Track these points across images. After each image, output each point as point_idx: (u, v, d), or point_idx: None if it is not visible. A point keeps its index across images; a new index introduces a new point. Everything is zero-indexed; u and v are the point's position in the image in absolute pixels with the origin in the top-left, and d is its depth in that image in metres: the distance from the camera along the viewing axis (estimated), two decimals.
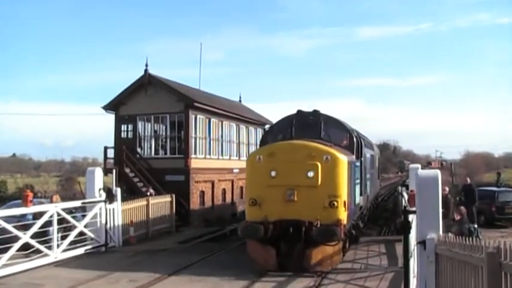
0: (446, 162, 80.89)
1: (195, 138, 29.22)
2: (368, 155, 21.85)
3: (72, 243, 16.75)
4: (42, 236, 15.70)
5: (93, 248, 17.61)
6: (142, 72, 29.28)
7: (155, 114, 29.58)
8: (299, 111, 17.33)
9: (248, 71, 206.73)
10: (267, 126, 33.73)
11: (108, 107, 29.99)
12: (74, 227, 16.82)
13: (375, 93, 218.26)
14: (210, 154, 30.87)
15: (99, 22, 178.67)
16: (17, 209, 16.10)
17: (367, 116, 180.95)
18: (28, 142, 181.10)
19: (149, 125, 30.37)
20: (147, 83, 29.16)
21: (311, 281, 12.96)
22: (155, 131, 30.48)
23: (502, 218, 25.03)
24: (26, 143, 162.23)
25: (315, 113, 17.22)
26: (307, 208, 13.89)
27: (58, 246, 15.96)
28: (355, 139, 17.24)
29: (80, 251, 17.05)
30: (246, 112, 37.71)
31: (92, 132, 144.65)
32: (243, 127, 35.58)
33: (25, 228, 15.42)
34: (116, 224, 19.13)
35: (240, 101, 41.15)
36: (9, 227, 14.42)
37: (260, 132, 36.05)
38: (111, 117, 30.32)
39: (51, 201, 17.98)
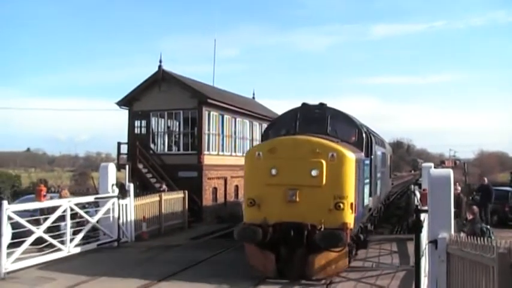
0: (460, 161, 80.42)
1: (208, 135, 29.29)
2: (379, 153, 20.26)
3: (85, 238, 16.87)
4: (56, 230, 15.83)
5: (106, 243, 17.71)
6: (156, 69, 29.40)
7: (169, 110, 29.67)
8: (304, 104, 15.87)
9: (263, 68, 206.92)
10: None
11: (122, 103, 30.12)
12: (87, 222, 16.94)
13: (389, 91, 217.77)
14: (223, 151, 30.92)
15: (115, 19, 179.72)
16: (30, 204, 16.27)
17: (382, 114, 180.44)
18: (42, 137, 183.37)
19: (162, 121, 30.45)
20: (161, 79, 29.26)
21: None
22: (168, 127, 30.56)
23: None
24: (40, 137, 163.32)
25: (321, 106, 15.71)
26: (310, 210, 12.70)
27: (71, 240, 16.07)
28: (364, 135, 15.75)
29: (93, 245, 17.16)
30: (260, 109, 37.73)
31: (105, 127, 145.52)
32: (256, 124, 35.57)
33: (38, 222, 15.57)
34: (129, 219, 19.22)
35: (253, 97, 41.18)
36: (22, 221, 14.54)
37: None
38: (124, 113, 30.50)
39: (60, 196, 18.14)
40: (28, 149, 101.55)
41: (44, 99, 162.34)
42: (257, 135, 35.45)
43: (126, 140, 30.10)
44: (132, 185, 19.93)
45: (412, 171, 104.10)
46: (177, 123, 30.39)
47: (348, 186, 12.98)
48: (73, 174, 64.20)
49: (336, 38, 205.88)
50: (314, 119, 15.41)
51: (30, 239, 14.56)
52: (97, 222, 17.44)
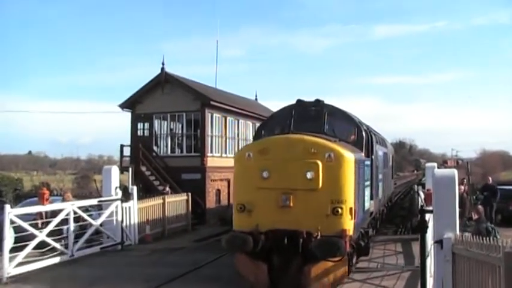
0: (463, 160, 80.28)
1: (211, 137, 29.25)
2: (380, 153, 18.99)
3: (88, 241, 16.86)
4: (59, 234, 15.81)
5: (109, 246, 17.69)
6: (159, 71, 29.38)
7: (171, 112, 29.66)
8: (299, 101, 14.68)
9: (265, 69, 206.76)
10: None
11: (124, 106, 30.10)
12: (90, 225, 16.92)
13: (391, 91, 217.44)
14: (226, 153, 30.84)
15: (116, 21, 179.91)
16: (33, 207, 16.24)
17: (384, 114, 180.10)
18: (44, 140, 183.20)
19: (165, 123, 30.43)
20: (164, 82, 29.23)
21: None
22: (171, 130, 30.56)
23: None
24: (41, 140, 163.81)
25: (318, 103, 14.52)
26: (305, 216, 11.58)
27: (74, 244, 16.04)
28: (364, 134, 14.57)
29: (96, 249, 17.14)
30: (262, 110, 37.65)
31: (107, 130, 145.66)
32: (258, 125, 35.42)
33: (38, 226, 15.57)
34: (132, 222, 19.22)
35: (256, 99, 41.15)
36: (25, 225, 14.53)
37: None
38: (127, 116, 30.49)
39: (63, 199, 18.13)
40: (30, 152, 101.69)
41: (45, 101, 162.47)
42: None
43: (128, 143, 30.08)
44: (135, 188, 19.93)
45: (415, 171, 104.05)
46: (180, 126, 30.41)
47: (347, 189, 11.87)
48: (75, 177, 64.28)
49: (337, 39, 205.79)
50: (310, 116, 14.32)
51: (33, 243, 14.55)
52: (100, 225, 17.42)
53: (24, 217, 14.90)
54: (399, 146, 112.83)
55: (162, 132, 30.55)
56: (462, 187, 19.04)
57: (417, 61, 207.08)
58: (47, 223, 15.58)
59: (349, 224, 11.71)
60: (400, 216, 27.03)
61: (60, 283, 13.28)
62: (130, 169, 22.87)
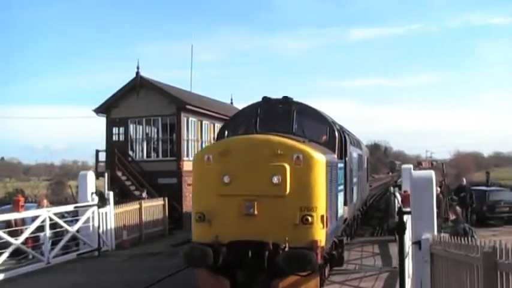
0: (437, 162, 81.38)
1: (187, 141, 29.16)
2: (355, 154, 17.87)
3: (64, 248, 16.69)
4: (34, 241, 15.64)
5: (86, 252, 17.53)
6: (134, 75, 29.22)
7: (147, 116, 29.51)
8: (265, 98, 13.43)
9: (242, 72, 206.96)
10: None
11: (99, 110, 29.87)
12: (67, 231, 16.75)
13: (366, 94, 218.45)
14: None
15: (89, 24, 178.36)
16: (8, 215, 16.01)
17: (359, 117, 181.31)
18: (17, 146, 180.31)
19: (141, 127, 30.26)
20: (139, 86, 29.07)
21: None
22: (147, 134, 30.39)
23: (493, 217, 25.31)
24: (14, 146, 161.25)
25: (286, 100, 13.32)
26: (271, 225, 10.38)
27: (50, 251, 15.86)
28: (337, 134, 13.33)
29: (73, 255, 17.00)
30: None
31: (82, 135, 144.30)
32: None
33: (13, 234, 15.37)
34: (109, 227, 19.08)
35: (231, 102, 41.13)
36: (0, 232, 14.34)
37: None
38: (102, 120, 30.26)
39: (40, 206, 17.94)
40: (2, 158, 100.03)
41: (17, 107, 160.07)
42: None
43: (104, 148, 29.87)
44: (111, 193, 19.79)
45: (390, 173, 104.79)
46: (156, 130, 30.20)
47: (318, 195, 10.61)
48: (50, 184, 63.60)
49: (313, 42, 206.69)
50: (277, 115, 13.16)
51: (8, 251, 14.36)
52: (77, 231, 17.25)
53: None
54: (374, 148, 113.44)
55: (138, 136, 30.36)
56: (438, 188, 19.25)
57: (392, 64, 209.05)
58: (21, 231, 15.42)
59: (320, 234, 10.51)
60: (376, 218, 27.23)
61: None
62: (106, 174, 22.69)
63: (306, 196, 10.51)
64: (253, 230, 10.42)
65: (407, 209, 10.77)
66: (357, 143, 20.53)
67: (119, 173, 27.76)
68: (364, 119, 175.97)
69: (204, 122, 31.11)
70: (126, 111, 29.28)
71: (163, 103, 28.56)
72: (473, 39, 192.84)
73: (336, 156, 12.88)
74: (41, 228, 15.75)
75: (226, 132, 13.53)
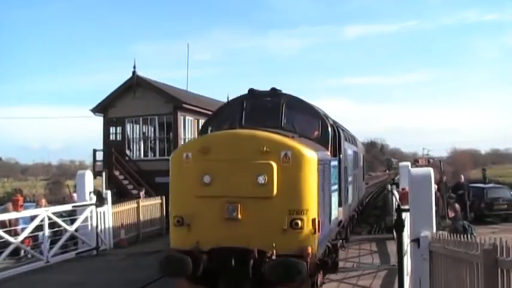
0: (434, 159, 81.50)
1: (184, 140, 29.11)
2: (350, 151, 16.72)
3: (63, 247, 16.71)
4: (33, 240, 15.66)
5: (85, 251, 17.54)
6: (130, 74, 29.24)
7: (144, 116, 29.54)
8: (251, 91, 12.33)
9: (238, 71, 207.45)
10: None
11: (96, 110, 29.93)
12: (65, 230, 16.77)
13: (362, 92, 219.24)
14: None
15: (86, 24, 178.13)
16: (7, 214, 16.03)
17: (355, 115, 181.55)
18: (14, 146, 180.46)
19: (138, 127, 30.30)
20: (136, 85, 29.11)
21: None
22: (144, 133, 30.41)
23: (491, 214, 25.31)
24: (11, 146, 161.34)
25: (274, 92, 12.20)
26: (257, 230, 9.31)
27: (49, 250, 15.87)
28: (330, 129, 12.11)
29: (71, 254, 17.01)
30: None
31: (79, 135, 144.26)
32: None
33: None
34: (107, 226, 19.07)
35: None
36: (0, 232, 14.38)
37: None
38: (99, 120, 30.29)
39: (38, 205, 17.96)
40: (0, 158, 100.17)
41: (14, 107, 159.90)
42: None
43: (101, 147, 29.89)
44: (109, 192, 19.79)
45: (387, 171, 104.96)
46: (153, 129, 30.28)
47: (308, 196, 9.51)
48: (47, 183, 63.58)
49: (308, 40, 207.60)
50: (265, 109, 12.03)
51: (7, 250, 14.38)
52: (75, 230, 17.26)
53: None
54: (370, 146, 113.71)
55: (135, 136, 30.42)
56: (436, 186, 19.28)
57: (388, 61, 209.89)
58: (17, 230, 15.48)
59: (311, 240, 9.40)
60: (374, 216, 27.29)
61: None
62: (103, 173, 22.69)
63: (296, 198, 9.41)
64: (236, 236, 9.34)
65: (406, 207, 10.77)
66: (352, 140, 19.33)
67: (117, 172, 27.80)
68: (360, 117, 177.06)
69: (201, 121, 30.93)
70: (123, 111, 29.32)
71: (160, 102, 28.60)
72: (468, 37, 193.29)
73: (329, 153, 11.69)
74: (39, 228, 15.76)
75: (209, 128, 12.27)
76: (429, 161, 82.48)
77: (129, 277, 14.08)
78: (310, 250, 9.22)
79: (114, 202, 20.42)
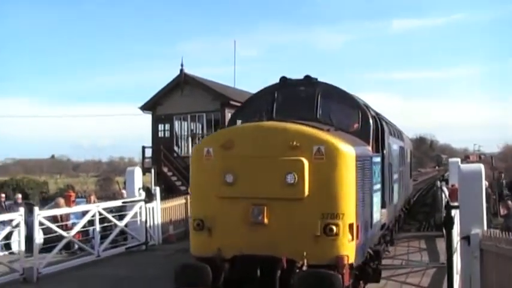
0: (485, 155, 79.55)
1: None
2: (395, 147, 15.11)
3: (113, 242, 17.03)
4: (85, 235, 16.03)
5: (134, 246, 17.81)
6: (178, 72, 29.58)
7: (191, 113, 29.88)
8: (283, 79, 11.10)
9: (283, 67, 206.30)
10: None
11: (145, 107, 30.42)
12: (115, 226, 17.09)
13: (410, 86, 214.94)
14: None
15: (134, 23, 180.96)
16: (60, 209, 16.50)
17: (403, 111, 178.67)
18: (66, 143, 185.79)
19: (186, 124, 30.69)
20: (183, 83, 29.48)
21: None
22: (192, 130, 30.76)
23: None
24: (64, 144, 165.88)
25: (309, 80, 10.93)
26: (285, 237, 8.19)
27: (100, 245, 16.23)
28: (372, 121, 10.73)
29: (121, 249, 17.27)
30: None
31: (128, 132, 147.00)
32: None
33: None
34: (156, 222, 19.30)
35: None
36: (53, 226, 14.82)
37: None
38: (147, 117, 30.77)
39: (88, 201, 18.35)
40: (53, 156, 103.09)
41: (65, 106, 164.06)
42: None
43: (149, 144, 30.35)
44: (158, 189, 20.04)
45: (436, 167, 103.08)
46: (200, 126, 30.62)
47: (345, 197, 8.32)
48: (98, 180, 64.93)
49: (354, 35, 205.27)
50: (298, 99, 10.84)
51: (60, 244, 14.78)
52: (125, 226, 17.57)
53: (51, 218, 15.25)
54: (420, 142, 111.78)
55: (183, 132, 30.81)
56: (487, 182, 18.88)
57: (435, 56, 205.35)
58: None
59: (348, 248, 8.24)
60: (423, 213, 26.87)
61: (87, 282, 13.45)
62: (152, 170, 23.02)
63: (330, 199, 8.26)
64: (262, 242, 8.26)
65: (455, 204, 10.58)
66: (398, 134, 17.65)
67: (165, 169, 28.20)
68: (409, 112, 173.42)
69: None
70: (171, 108, 29.72)
71: (207, 99, 28.85)
72: None
73: (370, 148, 10.38)
74: (90, 223, 16.18)
75: (238, 122, 10.53)
76: (480, 157, 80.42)
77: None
78: (346, 260, 8.15)
79: (162, 198, 20.64)
